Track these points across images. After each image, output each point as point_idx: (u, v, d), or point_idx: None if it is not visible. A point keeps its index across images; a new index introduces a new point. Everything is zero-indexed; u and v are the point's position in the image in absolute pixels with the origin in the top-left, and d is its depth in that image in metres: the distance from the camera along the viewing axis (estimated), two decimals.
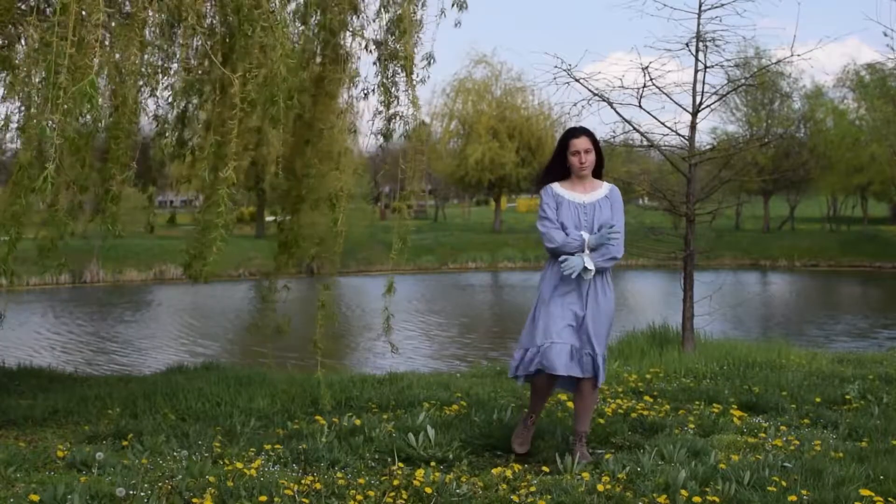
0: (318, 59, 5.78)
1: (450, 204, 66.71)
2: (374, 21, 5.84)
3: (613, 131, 9.34)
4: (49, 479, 4.02)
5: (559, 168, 4.80)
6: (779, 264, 38.58)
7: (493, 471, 4.31)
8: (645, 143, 9.68)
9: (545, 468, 4.52)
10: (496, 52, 64.90)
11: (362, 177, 6.38)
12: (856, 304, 26.12)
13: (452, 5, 5.80)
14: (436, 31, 6.64)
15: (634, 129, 9.36)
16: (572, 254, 4.59)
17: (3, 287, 5.03)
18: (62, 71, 3.93)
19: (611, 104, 9.08)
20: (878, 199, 47.92)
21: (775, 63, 11.20)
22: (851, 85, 41.77)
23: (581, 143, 4.70)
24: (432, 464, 4.49)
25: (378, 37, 5.81)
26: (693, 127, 9.11)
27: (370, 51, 5.88)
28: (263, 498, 3.77)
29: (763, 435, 5.13)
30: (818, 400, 6.17)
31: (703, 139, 20.14)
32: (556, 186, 4.76)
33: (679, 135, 9.23)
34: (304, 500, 3.82)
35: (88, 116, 4.31)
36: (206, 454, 4.61)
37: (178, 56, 5.44)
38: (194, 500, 3.77)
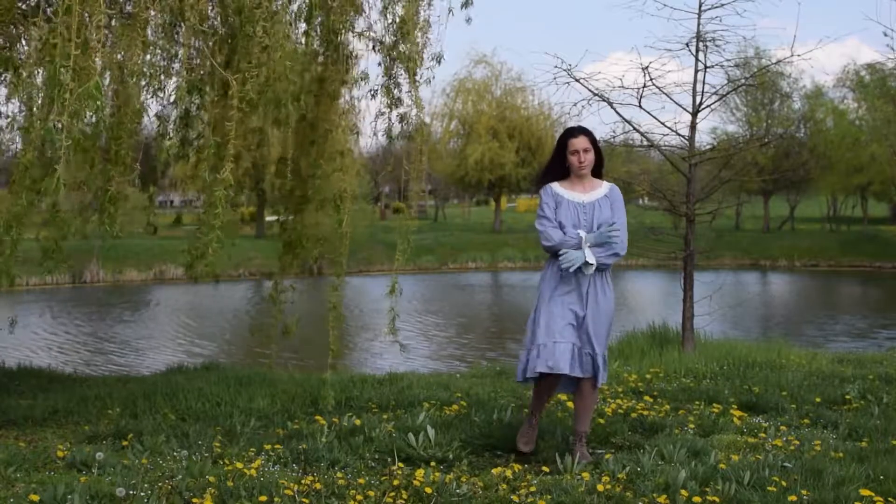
0: (321, 60, 5.77)
1: (450, 204, 66.71)
2: (378, 21, 5.85)
3: (613, 131, 9.35)
4: (49, 479, 4.02)
5: (558, 168, 4.80)
6: (779, 264, 38.57)
7: (493, 471, 4.31)
8: (645, 143, 9.69)
9: (545, 468, 4.52)
10: (496, 52, 65.00)
11: (363, 177, 6.37)
12: (856, 305, 26.13)
13: (462, 7, 5.79)
14: (443, 31, 6.62)
15: (634, 129, 9.37)
16: (569, 248, 4.59)
17: (3, 288, 5.03)
18: (66, 72, 3.93)
19: (611, 104, 9.09)
20: (878, 199, 47.91)
21: (775, 63, 11.22)
22: (851, 85, 41.76)
23: (580, 142, 4.70)
24: (432, 464, 4.49)
25: (383, 38, 5.81)
26: (693, 127, 9.11)
27: (377, 50, 5.88)
28: (263, 498, 3.78)
29: (763, 435, 5.13)
30: (818, 400, 6.17)
31: (703, 139, 20.15)
32: (556, 186, 4.76)
33: (679, 135, 9.24)
34: (304, 500, 3.82)
35: (93, 117, 4.30)
36: (206, 454, 4.61)
37: (179, 56, 5.45)
38: (194, 500, 3.77)
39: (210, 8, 5.17)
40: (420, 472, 4.14)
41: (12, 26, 5.28)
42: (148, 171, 6.45)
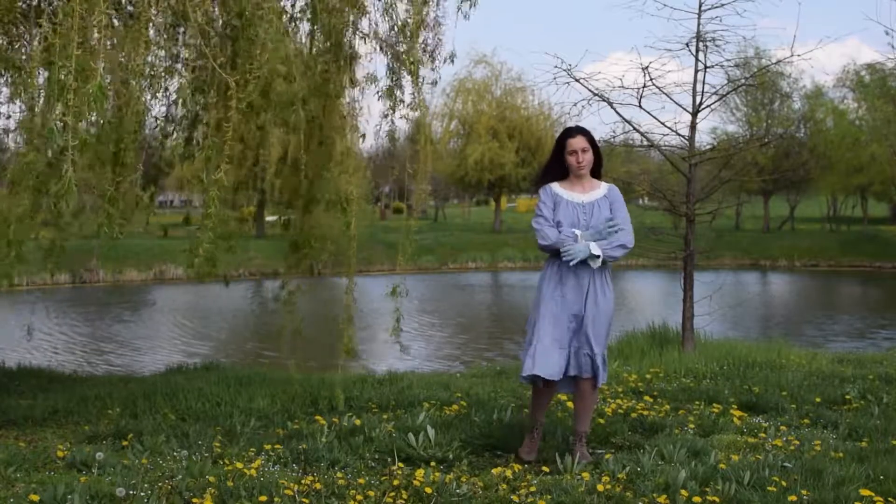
0: (324, 60, 5.77)
1: (450, 204, 66.70)
2: (379, 23, 5.85)
3: (613, 131, 9.35)
4: (49, 479, 4.02)
5: (558, 168, 4.79)
6: (779, 264, 38.57)
7: (493, 471, 4.31)
8: (645, 143, 9.69)
9: (545, 468, 4.52)
10: (496, 52, 65.01)
11: (368, 179, 6.37)
12: (856, 305, 26.13)
13: (470, 6, 5.79)
14: (454, 30, 6.62)
15: (634, 129, 9.37)
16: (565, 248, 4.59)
17: (2, 288, 5.03)
18: (68, 72, 3.93)
19: (611, 104, 9.09)
20: (878, 199, 47.91)
21: (775, 63, 11.22)
22: (851, 85, 41.76)
23: (578, 142, 4.70)
24: (432, 464, 4.49)
25: (386, 39, 5.82)
26: (693, 127, 9.11)
27: (383, 51, 5.88)
28: (263, 498, 3.78)
29: (763, 435, 5.13)
30: (818, 400, 6.17)
31: (703, 139, 20.18)
32: (555, 186, 4.76)
33: (679, 135, 9.24)
34: (304, 500, 3.82)
35: (96, 118, 4.30)
36: (206, 454, 4.60)
37: (181, 57, 5.45)
38: (194, 500, 3.77)
39: (212, 9, 5.17)
40: (420, 472, 4.14)
41: (12, 26, 5.28)
42: (150, 171, 6.45)
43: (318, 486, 3.96)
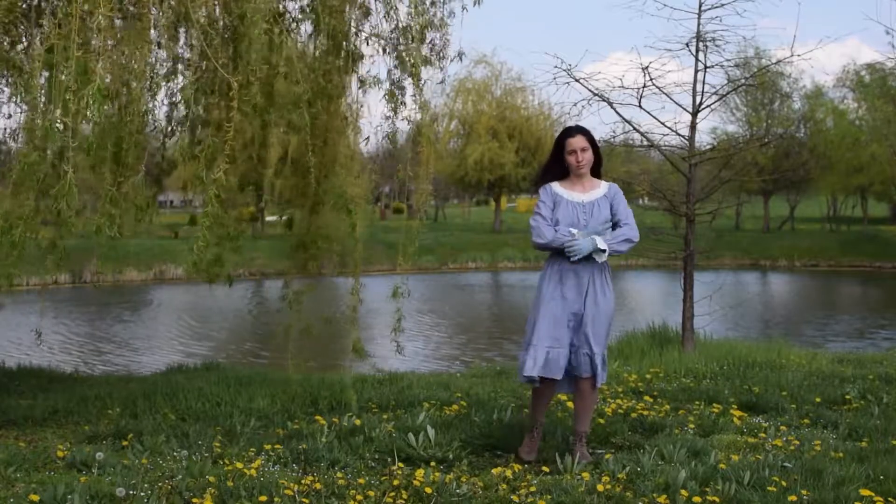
0: (326, 62, 5.78)
1: (450, 204, 66.70)
2: (380, 24, 5.86)
3: (613, 131, 9.36)
4: (49, 479, 4.02)
5: (558, 168, 4.79)
6: (779, 264, 38.57)
7: (493, 471, 4.31)
8: (645, 143, 9.69)
9: (545, 468, 4.52)
10: (496, 52, 65.19)
11: (372, 181, 6.37)
12: (856, 305, 26.12)
13: (474, 3, 5.80)
14: (461, 29, 6.61)
15: (634, 129, 9.37)
16: (559, 246, 4.59)
17: (3, 289, 5.03)
18: (70, 73, 3.93)
19: (611, 104, 9.09)
20: (878, 199, 47.91)
21: (775, 63, 11.23)
22: (851, 85, 41.75)
23: (577, 141, 4.70)
24: (432, 464, 4.49)
25: (389, 40, 5.82)
26: (693, 127, 9.11)
27: (389, 54, 5.89)
28: (263, 498, 3.77)
29: (763, 435, 5.13)
30: (818, 400, 6.17)
31: (703, 139, 20.19)
32: (556, 186, 4.75)
33: (679, 135, 9.25)
34: (304, 500, 3.82)
35: (97, 119, 4.30)
36: (206, 454, 4.60)
37: (183, 57, 5.45)
38: (194, 500, 3.77)
39: (214, 10, 5.17)
40: (420, 472, 4.14)
41: (13, 26, 5.28)
42: (152, 171, 6.45)
43: (318, 486, 3.96)
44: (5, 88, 6.21)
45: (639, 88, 9.02)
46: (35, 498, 3.66)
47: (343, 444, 4.84)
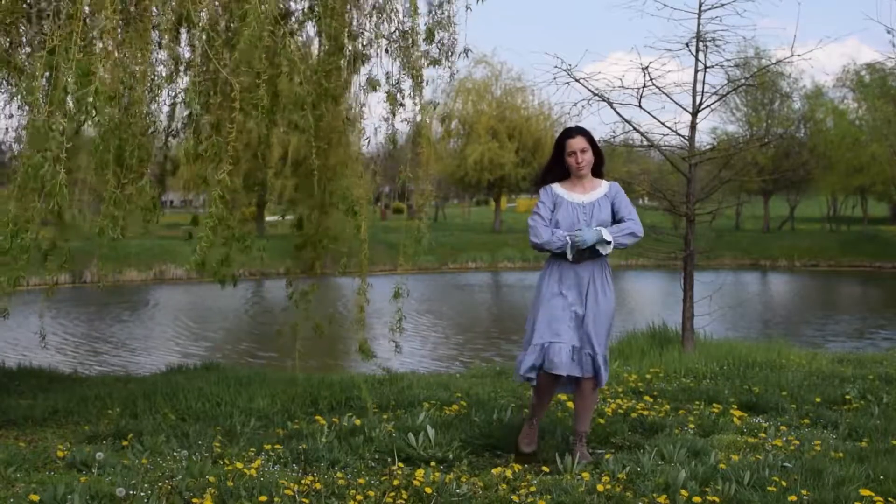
0: (328, 63, 5.78)
1: (450, 204, 66.68)
2: (387, 26, 5.86)
3: (613, 131, 9.37)
4: (49, 479, 4.02)
5: (559, 169, 4.80)
6: (779, 264, 38.56)
7: (493, 471, 4.31)
8: (645, 143, 9.69)
9: (545, 468, 4.52)
10: (496, 52, 65.12)
11: (375, 182, 6.38)
12: (856, 305, 26.12)
13: (478, 1, 5.82)
14: (465, 26, 6.60)
15: (634, 129, 9.38)
16: (557, 251, 4.61)
17: (9, 291, 5.03)
18: (70, 75, 3.93)
19: (611, 104, 9.09)
20: (878, 199, 47.91)
21: (775, 63, 11.24)
22: (851, 85, 41.75)
23: (577, 142, 4.70)
24: (432, 464, 4.49)
25: (392, 41, 5.82)
26: (693, 127, 9.12)
27: (392, 56, 5.89)
28: (263, 498, 3.78)
29: (763, 435, 5.13)
30: (818, 400, 6.18)
31: (703, 139, 20.20)
32: (556, 187, 4.76)
33: (679, 135, 9.25)
34: (304, 500, 3.82)
35: (100, 120, 4.31)
36: (206, 454, 4.60)
37: (184, 58, 5.45)
38: (194, 500, 3.77)
39: (215, 12, 5.18)
40: (420, 472, 4.14)
41: (14, 27, 5.28)
42: (155, 173, 6.45)
43: (318, 486, 3.96)
44: (4, 90, 6.22)
45: (639, 88, 9.03)
46: (35, 498, 3.66)
47: (343, 444, 4.84)
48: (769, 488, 3.96)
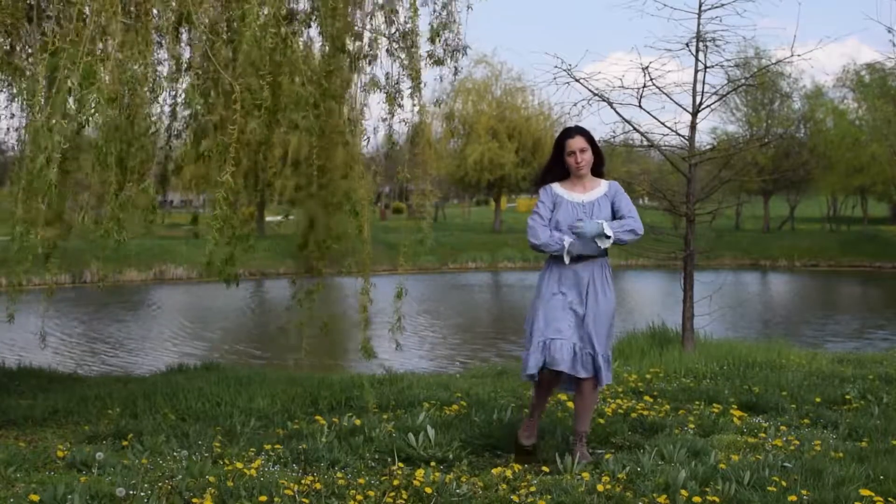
0: (329, 64, 5.79)
1: (450, 204, 66.67)
2: (388, 27, 5.86)
3: (613, 131, 9.37)
4: (49, 479, 4.02)
5: (558, 169, 4.80)
6: (779, 264, 38.55)
7: (493, 471, 4.31)
8: (645, 143, 9.70)
9: (545, 468, 4.52)
10: (496, 52, 65.16)
11: (376, 183, 6.40)
12: (856, 305, 26.12)
13: None
14: (466, 26, 6.63)
15: (634, 129, 9.38)
16: (554, 253, 4.62)
17: (3, 287, 5.05)
18: (73, 75, 3.94)
19: (611, 104, 9.09)
20: (878, 199, 47.91)
21: (775, 63, 11.25)
22: (851, 85, 41.76)
23: (576, 142, 4.71)
24: (432, 464, 4.49)
25: (393, 41, 5.83)
26: (693, 127, 9.12)
27: (393, 56, 5.90)
28: (263, 498, 3.78)
29: (763, 435, 5.13)
30: (818, 400, 6.17)
31: (703, 139, 20.17)
32: (556, 186, 4.76)
33: (679, 135, 9.25)
34: (304, 500, 3.82)
35: (102, 121, 4.31)
36: (206, 454, 4.60)
37: (185, 58, 5.45)
38: (194, 500, 3.77)
39: (216, 12, 5.18)
40: (420, 472, 4.14)
41: (14, 28, 5.27)
42: (156, 173, 6.46)
43: (318, 486, 3.96)
44: (5, 90, 6.22)
45: (639, 88, 9.03)
46: (35, 498, 3.66)
47: (343, 444, 4.84)
48: (769, 488, 3.96)
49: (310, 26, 5.97)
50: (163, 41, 5.13)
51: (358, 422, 5.32)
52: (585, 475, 4.26)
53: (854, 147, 38.39)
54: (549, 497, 3.93)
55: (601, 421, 5.38)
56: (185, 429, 5.24)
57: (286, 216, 6.52)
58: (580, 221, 4.59)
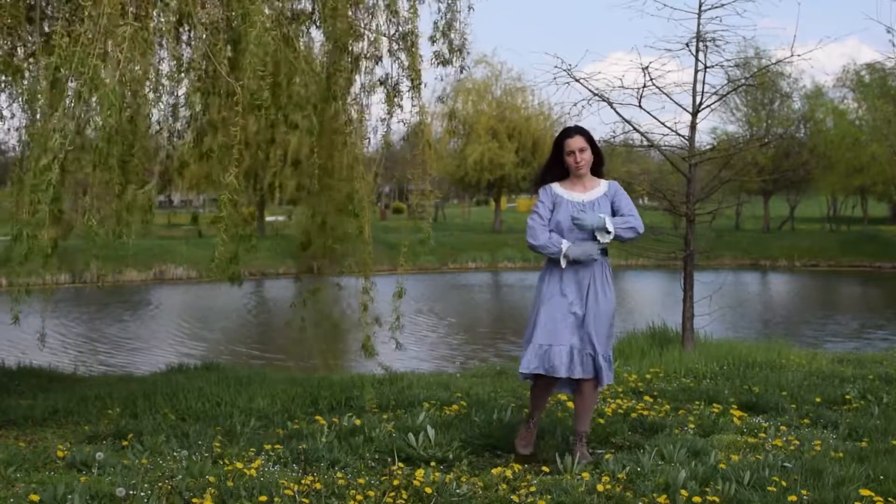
0: (330, 64, 5.79)
1: (450, 204, 66.68)
2: (389, 28, 5.87)
3: (613, 131, 9.36)
4: (49, 479, 4.02)
5: (558, 169, 4.80)
6: (779, 264, 38.54)
7: (493, 471, 4.31)
8: (645, 143, 9.69)
9: (545, 468, 4.52)
10: (496, 52, 65.11)
11: (375, 183, 6.41)
12: (855, 305, 26.12)
13: None
14: (467, 25, 6.67)
15: (634, 129, 9.38)
16: (551, 256, 4.63)
17: (2, 287, 5.06)
18: (81, 79, 3.94)
19: (611, 104, 9.09)
20: (878, 199, 47.90)
21: (775, 63, 11.23)
22: (851, 85, 41.74)
23: (575, 142, 4.71)
24: (432, 464, 4.49)
25: (391, 41, 5.84)
26: (693, 127, 9.12)
27: (394, 57, 5.91)
28: (263, 498, 3.78)
29: (763, 435, 5.13)
30: (818, 400, 6.18)
31: (703, 139, 20.20)
32: (556, 186, 4.76)
33: (679, 135, 9.25)
34: (304, 500, 3.82)
35: (112, 124, 4.32)
36: (206, 454, 4.61)
37: (185, 58, 5.46)
38: (194, 500, 3.77)
39: (216, 11, 5.18)
40: (420, 472, 4.14)
41: (14, 30, 5.27)
42: (162, 174, 6.46)
43: (318, 486, 3.96)
44: (5, 91, 6.22)
45: (639, 88, 9.03)
46: (35, 498, 3.66)
47: (343, 444, 4.84)
48: (769, 488, 3.96)
49: (312, 26, 5.97)
50: (163, 41, 5.12)
51: (358, 422, 5.32)
52: (585, 475, 4.26)
53: (854, 147, 38.38)
54: (549, 497, 3.93)
55: (601, 421, 5.38)
56: (185, 429, 5.24)
57: (289, 217, 6.52)
58: (581, 212, 4.58)
